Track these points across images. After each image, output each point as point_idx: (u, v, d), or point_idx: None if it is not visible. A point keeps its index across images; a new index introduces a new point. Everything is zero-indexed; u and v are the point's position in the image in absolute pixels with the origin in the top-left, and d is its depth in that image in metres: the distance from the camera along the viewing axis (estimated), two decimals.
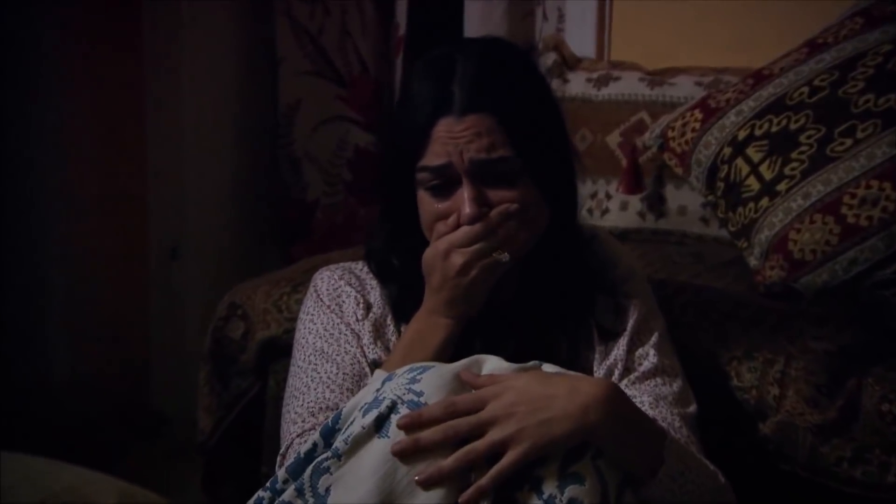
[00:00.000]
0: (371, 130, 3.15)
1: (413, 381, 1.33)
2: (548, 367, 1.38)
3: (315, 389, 1.51)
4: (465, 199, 1.48)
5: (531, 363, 1.39)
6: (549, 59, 2.80)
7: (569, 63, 2.82)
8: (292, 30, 3.07)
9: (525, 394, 1.30)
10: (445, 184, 1.49)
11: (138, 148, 2.84)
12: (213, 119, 2.99)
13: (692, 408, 1.55)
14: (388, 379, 1.36)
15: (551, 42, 2.87)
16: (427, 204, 1.52)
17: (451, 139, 1.46)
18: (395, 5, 3.14)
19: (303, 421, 1.49)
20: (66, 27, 2.64)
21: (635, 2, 2.94)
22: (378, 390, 1.34)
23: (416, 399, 1.31)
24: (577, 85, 2.73)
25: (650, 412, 1.49)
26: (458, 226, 1.49)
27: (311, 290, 1.64)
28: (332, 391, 1.51)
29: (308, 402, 1.51)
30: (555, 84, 2.76)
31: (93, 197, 2.73)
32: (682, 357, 1.62)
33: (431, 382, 1.33)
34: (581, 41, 2.96)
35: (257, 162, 3.14)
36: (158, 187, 2.89)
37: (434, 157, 1.48)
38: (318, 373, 1.53)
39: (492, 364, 1.37)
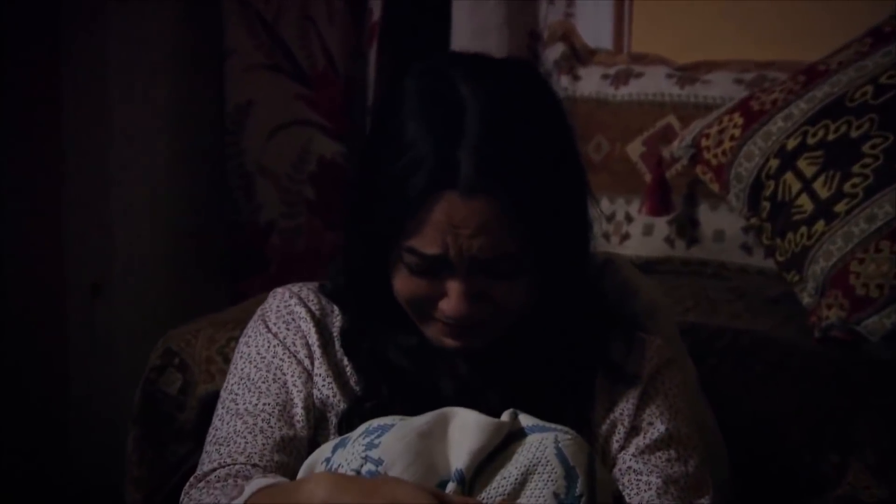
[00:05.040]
0: (339, 138, 3.15)
1: (370, 445, 1.38)
2: (524, 419, 1.41)
3: (228, 423, 1.57)
4: (455, 293, 1.49)
5: (507, 412, 1.42)
6: (556, 52, 2.81)
7: (580, 56, 2.83)
8: (242, 15, 3.07)
9: None
10: (433, 269, 1.50)
11: (52, 158, 2.83)
12: (146, 124, 2.99)
13: (706, 500, 1.52)
14: (341, 445, 1.41)
15: (559, 30, 2.88)
16: (406, 279, 1.52)
17: (452, 227, 1.46)
18: None
19: (210, 459, 1.55)
20: None
21: None
22: (328, 460, 1.40)
23: (374, 469, 1.36)
24: (590, 83, 2.74)
25: (656, 500, 1.49)
26: (445, 315, 1.50)
27: (259, 307, 1.67)
28: (245, 423, 1.55)
29: (218, 436, 1.57)
30: (564, 81, 2.77)
31: None
32: (719, 417, 1.62)
33: (392, 448, 1.37)
34: (595, 29, 2.98)
35: (199, 176, 3.13)
36: (76, 206, 2.88)
37: (428, 242, 1.47)
38: (237, 403, 1.58)
39: (462, 419, 1.40)
